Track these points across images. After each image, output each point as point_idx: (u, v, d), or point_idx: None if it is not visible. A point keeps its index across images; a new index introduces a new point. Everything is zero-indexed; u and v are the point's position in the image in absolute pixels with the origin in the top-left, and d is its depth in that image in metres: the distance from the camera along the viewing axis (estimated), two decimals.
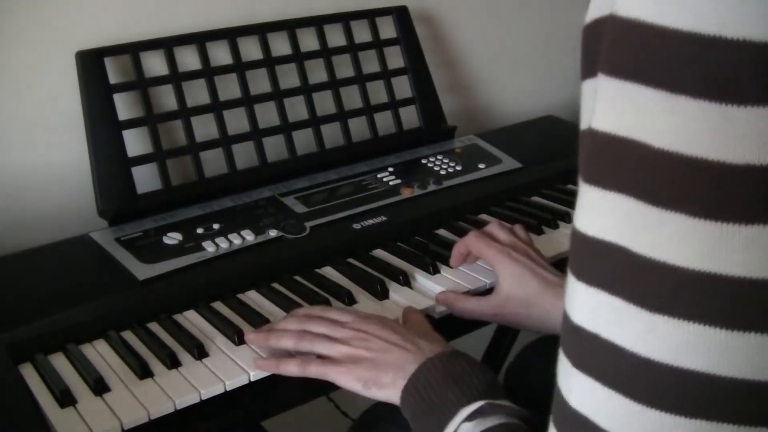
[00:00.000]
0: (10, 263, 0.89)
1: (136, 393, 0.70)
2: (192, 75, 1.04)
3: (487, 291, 0.87)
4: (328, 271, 0.92)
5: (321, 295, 0.85)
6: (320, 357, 0.72)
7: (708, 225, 0.34)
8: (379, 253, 0.96)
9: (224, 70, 1.06)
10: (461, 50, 1.39)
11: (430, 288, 0.88)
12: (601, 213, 0.38)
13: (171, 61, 1.02)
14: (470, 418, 0.59)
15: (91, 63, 0.97)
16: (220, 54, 1.07)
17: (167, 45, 1.02)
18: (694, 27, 0.33)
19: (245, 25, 1.08)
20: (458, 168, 1.14)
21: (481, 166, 1.15)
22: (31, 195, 1.01)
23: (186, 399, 0.70)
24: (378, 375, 0.67)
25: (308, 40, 1.14)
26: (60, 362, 0.75)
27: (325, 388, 0.72)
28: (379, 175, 1.10)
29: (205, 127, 1.04)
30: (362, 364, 0.69)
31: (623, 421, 0.38)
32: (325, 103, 1.14)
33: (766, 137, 0.33)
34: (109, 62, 0.99)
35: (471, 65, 1.41)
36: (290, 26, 1.12)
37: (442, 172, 1.12)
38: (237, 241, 0.92)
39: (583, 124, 0.40)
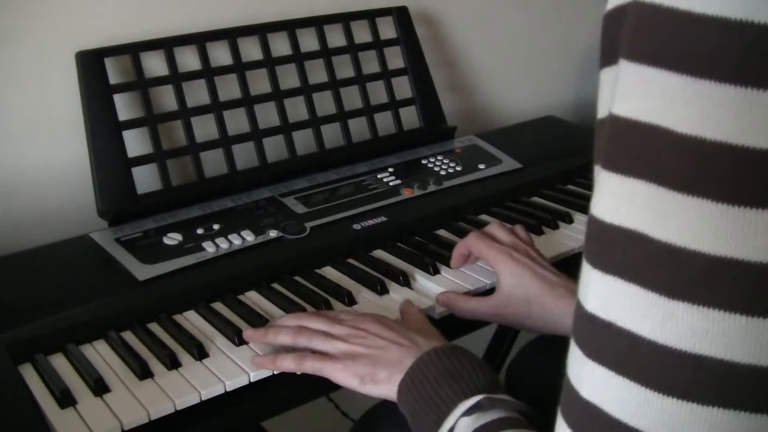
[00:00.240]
0: (10, 263, 0.89)
1: (136, 393, 0.70)
2: (192, 75, 1.04)
3: (488, 291, 0.87)
4: (328, 272, 0.92)
5: (321, 295, 0.85)
6: (317, 353, 0.72)
7: (730, 210, 0.34)
8: (379, 253, 0.96)
9: (224, 70, 1.06)
10: (461, 50, 1.39)
11: (430, 288, 0.88)
12: (619, 199, 0.38)
13: (171, 61, 1.02)
14: (469, 412, 0.59)
15: (91, 63, 0.97)
16: (220, 54, 1.07)
17: (167, 45, 1.02)
18: (720, 12, 0.33)
19: (245, 25, 1.08)
20: (458, 168, 1.14)
21: (481, 166, 1.15)
22: (31, 195, 1.01)
23: (186, 399, 0.70)
24: (374, 371, 0.67)
25: (308, 41, 1.14)
26: (60, 362, 0.75)
27: (325, 388, 0.72)
28: (379, 176, 1.10)
29: (205, 127, 1.04)
30: (359, 360, 0.69)
31: (637, 410, 0.38)
32: (325, 103, 1.14)
33: None
34: (109, 62, 0.99)
35: (471, 65, 1.41)
36: (290, 26, 1.12)
37: (442, 173, 1.12)
38: (237, 241, 0.92)
39: (601, 113, 0.40)
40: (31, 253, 0.90)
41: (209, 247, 0.91)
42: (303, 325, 0.74)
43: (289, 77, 1.11)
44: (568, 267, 0.84)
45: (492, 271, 0.87)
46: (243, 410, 0.73)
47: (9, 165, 0.99)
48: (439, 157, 1.16)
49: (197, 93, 1.05)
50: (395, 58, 1.21)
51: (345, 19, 1.16)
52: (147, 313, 0.82)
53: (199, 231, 0.94)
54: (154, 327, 0.81)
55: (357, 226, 0.98)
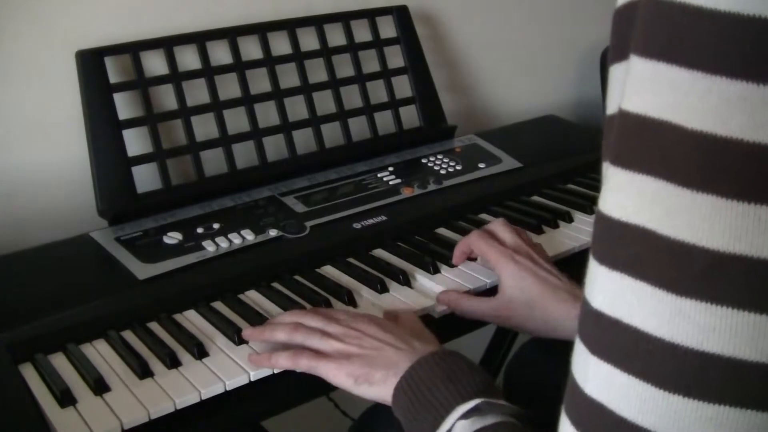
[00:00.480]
0: (10, 263, 0.89)
1: (136, 393, 0.70)
2: (192, 75, 1.04)
3: (488, 290, 0.87)
4: (329, 271, 0.92)
5: (321, 294, 0.85)
6: (313, 352, 0.72)
7: (740, 206, 0.34)
8: (379, 252, 0.96)
9: (224, 69, 1.06)
10: (461, 50, 1.39)
11: (430, 288, 0.88)
12: (628, 196, 0.37)
13: (171, 60, 1.02)
14: (466, 416, 0.59)
15: (91, 63, 0.97)
16: (220, 54, 1.07)
17: (167, 45, 1.02)
18: (732, 7, 0.33)
19: (245, 24, 1.08)
20: (458, 168, 1.14)
21: (481, 165, 1.15)
22: (31, 195, 1.01)
23: (186, 399, 0.70)
24: (369, 372, 0.67)
25: (308, 40, 1.14)
26: (60, 362, 0.75)
27: (325, 387, 0.72)
28: (379, 175, 1.10)
29: (205, 127, 1.04)
30: (354, 360, 0.68)
31: (642, 408, 0.37)
32: (325, 102, 1.14)
33: None
34: (109, 62, 0.99)
35: (471, 65, 1.41)
36: (290, 26, 1.12)
37: (442, 172, 1.12)
38: (237, 240, 0.92)
39: (611, 108, 0.40)
40: (31, 253, 0.90)
41: (209, 247, 0.91)
42: (299, 323, 0.74)
43: (289, 76, 1.11)
44: (568, 267, 0.84)
45: (491, 271, 0.87)
46: (243, 410, 0.73)
47: (9, 165, 0.99)
48: (439, 157, 1.16)
49: (197, 92, 1.05)
50: (395, 58, 1.21)
51: (345, 18, 1.16)
52: (147, 312, 0.82)
53: (199, 230, 0.94)
54: (154, 326, 0.81)
55: (357, 225, 0.98)
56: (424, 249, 0.95)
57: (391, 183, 1.08)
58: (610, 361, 0.39)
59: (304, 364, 0.70)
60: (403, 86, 1.21)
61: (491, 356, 1.40)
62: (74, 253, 0.91)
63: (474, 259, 0.92)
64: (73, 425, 0.66)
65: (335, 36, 1.16)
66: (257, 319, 0.80)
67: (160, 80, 1.02)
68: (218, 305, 0.84)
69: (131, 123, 0.99)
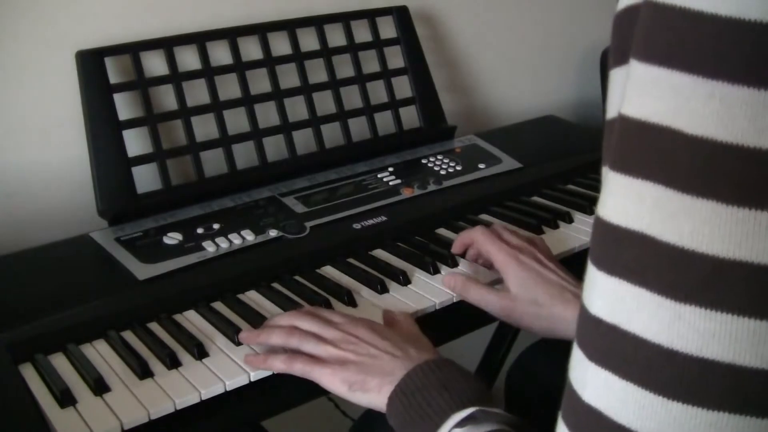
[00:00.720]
0: (10, 263, 0.89)
1: (136, 393, 0.70)
2: (192, 75, 1.04)
3: None
4: (328, 271, 0.92)
5: (321, 295, 0.85)
6: (309, 355, 0.72)
7: (741, 212, 0.34)
8: (379, 253, 0.96)
9: (224, 70, 1.06)
10: (461, 50, 1.39)
11: (430, 288, 0.88)
12: (627, 201, 0.37)
13: (171, 61, 1.02)
14: (461, 424, 0.58)
15: (91, 63, 0.97)
16: (220, 54, 1.07)
17: (167, 45, 1.02)
18: (733, 12, 0.33)
19: (245, 25, 1.08)
20: (458, 168, 1.14)
21: (481, 166, 1.15)
22: (31, 195, 1.01)
23: (186, 399, 0.70)
24: (364, 379, 0.67)
25: (308, 40, 1.14)
26: (60, 362, 0.75)
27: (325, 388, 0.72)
28: (379, 175, 1.10)
29: (205, 127, 1.04)
30: (348, 366, 0.68)
31: (641, 415, 0.37)
32: (325, 103, 1.14)
33: None
34: (109, 62, 0.99)
35: (471, 65, 1.41)
36: (290, 26, 1.12)
37: (442, 172, 1.12)
38: (237, 241, 0.92)
39: (611, 113, 0.40)
40: (31, 253, 0.90)
41: (209, 247, 0.91)
42: (296, 326, 0.74)
43: (289, 77, 1.11)
44: (568, 266, 0.84)
45: (491, 270, 0.87)
46: (243, 410, 0.73)
47: (9, 165, 0.99)
48: (439, 157, 1.16)
49: (197, 92, 1.05)
50: (395, 58, 1.21)
51: (345, 18, 1.16)
52: (147, 312, 0.82)
53: (199, 230, 0.94)
54: (154, 326, 0.81)
55: (357, 226, 0.98)
56: (424, 249, 0.95)
57: (391, 183, 1.08)
58: (608, 368, 0.38)
59: (298, 369, 0.70)
60: (403, 87, 1.21)
61: (491, 357, 1.40)
62: (74, 253, 0.91)
63: (455, 266, 0.91)
64: (73, 425, 0.66)
65: (335, 36, 1.16)
66: (257, 319, 0.80)
67: (160, 80, 1.02)
68: (218, 305, 0.84)
69: (131, 123, 0.99)
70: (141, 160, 0.99)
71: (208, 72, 1.05)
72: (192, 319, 0.82)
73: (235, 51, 1.07)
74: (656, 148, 0.36)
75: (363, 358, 0.68)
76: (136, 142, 1.01)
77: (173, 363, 0.74)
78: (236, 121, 1.06)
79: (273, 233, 0.94)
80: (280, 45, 1.11)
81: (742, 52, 0.33)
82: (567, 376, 0.42)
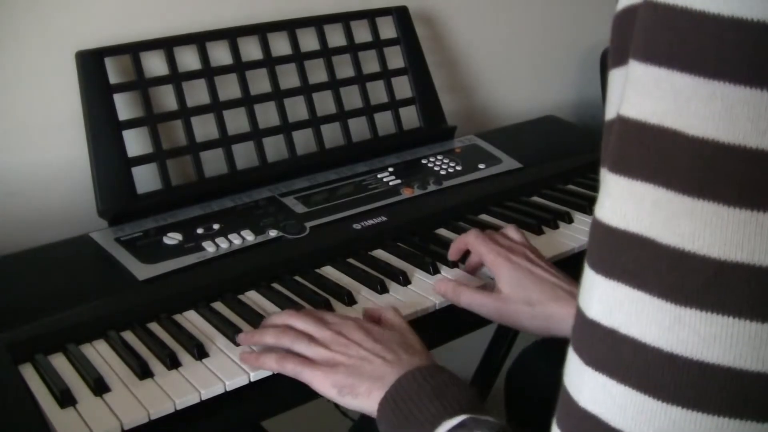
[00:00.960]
0: (10, 263, 0.89)
1: (136, 393, 0.70)
2: (192, 75, 1.04)
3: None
4: (328, 271, 0.92)
5: (321, 295, 0.85)
6: (301, 356, 0.71)
7: (743, 214, 0.33)
8: (379, 253, 0.96)
9: (224, 70, 1.06)
10: (461, 50, 1.39)
11: (430, 288, 0.88)
12: (626, 203, 0.37)
13: (171, 61, 1.02)
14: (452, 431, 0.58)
15: (91, 63, 0.97)
16: (220, 54, 1.07)
17: (167, 45, 1.02)
18: (735, 11, 0.33)
19: (245, 25, 1.08)
20: (458, 168, 1.14)
21: (481, 166, 1.15)
22: (31, 195, 1.01)
23: (186, 399, 0.70)
24: (354, 383, 0.66)
25: (308, 40, 1.14)
26: (60, 362, 0.75)
27: None
28: (379, 175, 1.10)
29: (205, 127, 1.04)
30: (339, 370, 0.68)
31: (639, 420, 0.37)
32: (325, 103, 1.14)
33: None
34: (109, 62, 0.99)
35: (471, 65, 1.41)
36: (290, 26, 1.12)
37: (442, 172, 1.12)
38: (237, 241, 0.92)
39: (610, 114, 0.39)
40: (31, 253, 0.90)
41: (209, 247, 0.91)
42: (289, 325, 0.74)
43: (289, 77, 1.11)
44: (567, 267, 0.84)
45: (482, 275, 0.88)
46: (243, 410, 0.73)
47: (9, 165, 0.99)
48: (439, 157, 1.16)
49: (197, 93, 1.05)
50: (395, 58, 1.21)
51: (345, 18, 1.16)
52: (147, 312, 0.82)
53: (199, 231, 0.94)
54: (154, 327, 0.81)
55: (357, 226, 0.98)
56: (424, 249, 0.95)
57: (391, 183, 1.08)
58: (605, 372, 0.38)
59: (289, 369, 0.70)
60: (403, 87, 1.21)
61: (491, 356, 1.40)
62: (74, 253, 0.91)
63: (455, 266, 0.91)
64: (73, 425, 0.66)
65: (335, 36, 1.16)
66: (257, 319, 0.80)
67: (160, 81, 1.02)
68: (218, 306, 0.84)
69: (131, 123, 0.99)
70: (141, 160, 0.99)
71: (208, 72, 1.05)
72: (192, 319, 0.82)
73: (235, 51, 1.07)
74: (656, 149, 0.35)
75: (354, 361, 0.68)
76: (136, 142, 1.01)
77: (173, 363, 0.74)
78: (236, 121, 1.06)
79: (273, 233, 0.94)
80: (280, 45, 1.11)
81: (744, 52, 0.33)
82: (562, 380, 0.42)
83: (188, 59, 1.06)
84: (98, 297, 0.83)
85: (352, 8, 1.18)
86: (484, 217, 1.05)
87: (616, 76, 0.39)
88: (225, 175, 1.04)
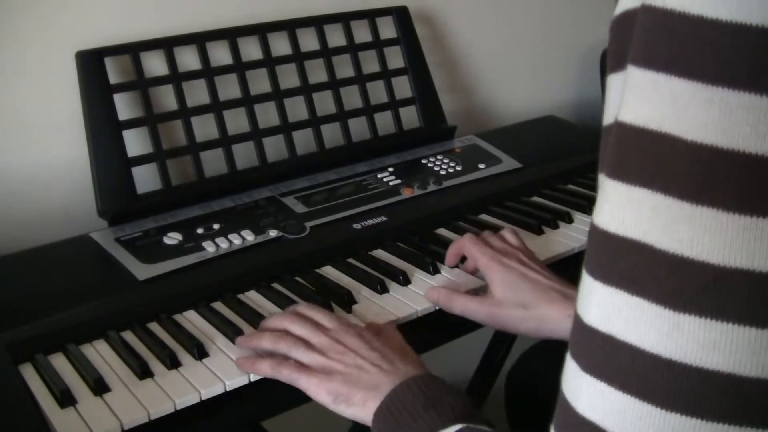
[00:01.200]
0: (10, 263, 0.89)
1: (136, 393, 0.70)
2: (192, 75, 1.04)
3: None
4: (328, 271, 0.92)
5: (321, 295, 0.85)
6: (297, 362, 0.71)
7: (742, 220, 0.33)
8: (379, 253, 0.96)
9: (224, 70, 1.06)
10: (461, 50, 1.39)
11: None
12: (625, 209, 0.37)
13: (171, 61, 1.02)
14: None
15: (91, 63, 0.97)
16: (220, 54, 1.07)
17: (167, 45, 1.02)
18: (735, 16, 0.32)
19: (245, 25, 1.08)
20: (458, 168, 1.14)
21: (481, 166, 1.15)
22: (31, 195, 1.01)
23: (186, 399, 0.70)
24: (349, 392, 0.66)
25: (308, 40, 1.14)
26: (60, 362, 0.75)
27: None
28: (379, 175, 1.10)
29: (205, 127, 1.04)
30: (335, 377, 0.67)
31: (638, 426, 0.36)
32: (325, 103, 1.14)
33: None
34: (109, 62, 0.99)
35: (471, 65, 1.41)
36: (290, 26, 1.12)
37: (442, 172, 1.12)
38: (237, 241, 0.92)
39: (608, 119, 0.39)
40: (31, 253, 0.90)
41: (209, 247, 0.91)
42: (286, 330, 0.74)
43: (289, 77, 1.11)
44: (567, 267, 0.84)
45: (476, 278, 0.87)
46: (243, 410, 0.73)
47: (9, 165, 0.99)
48: (439, 157, 1.16)
49: (197, 93, 1.05)
50: (395, 58, 1.21)
51: (345, 18, 1.16)
52: (147, 312, 0.82)
53: (199, 231, 0.94)
54: (154, 327, 0.81)
55: (357, 226, 0.98)
56: (424, 249, 0.95)
57: (391, 183, 1.08)
58: (603, 379, 0.38)
59: (285, 375, 0.70)
60: (403, 87, 1.21)
61: (491, 357, 1.40)
62: (74, 253, 0.91)
63: (455, 266, 0.91)
64: (73, 425, 0.66)
65: (335, 36, 1.16)
66: (257, 319, 0.80)
67: (160, 81, 1.02)
68: (218, 306, 0.84)
69: (131, 123, 0.99)
70: (141, 160, 0.99)
71: (208, 72, 1.05)
72: (192, 319, 0.82)
73: (235, 51, 1.07)
74: (655, 155, 0.35)
75: (350, 369, 0.68)
76: (136, 142, 1.01)
77: (173, 363, 0.74)
78: (236, 121, 1.06)
79: (273, 233, 0.94)
80: (280, 45, 1.11)
81: (743, 57, 0.32)
82: (560, 387, 0.41)
83: (188, 59, 1.06)
84: (98, 297, 0.83)
85: (352, 8, 1.18)
86: (484, 217, 1.05)
87: (614, 81, 0.39)
88: (225, 175, 1.04)
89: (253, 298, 0.86)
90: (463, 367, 1.49)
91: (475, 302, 0.80)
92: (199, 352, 0.75)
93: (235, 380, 0.72)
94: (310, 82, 1.12)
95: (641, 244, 0.36)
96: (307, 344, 0.71)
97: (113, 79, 0.99)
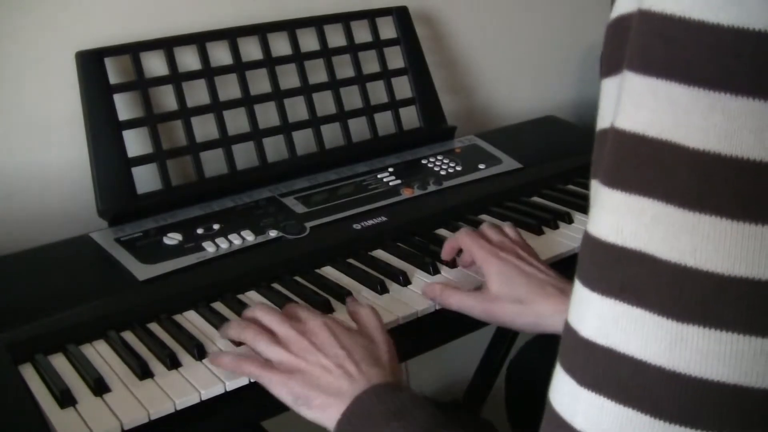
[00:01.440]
0: (10, 263, 0.89)
1: (136, 393, 0.70)
2: (192, 75, 1.04)
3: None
4: (328, 272, 0.92)
5: (321, 295, 0.85)
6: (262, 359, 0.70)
7: (746, 228, 0.33)
8: (379, 253, 0.96)
9: (224, 70, 1.06)
10: (461, 50, 1.39)
11: None
12: (623, 218, 0.36)
13: (171, 61, 1.02)
14: None
15: (91, 63, 0.97)
16: (220, 54, 1.07)
17: (167, 45, 1.02)
18: (736, 21, 0.32)
19: (245, 25, 1.08)
20: (458, 168, 1.14)
21: (481, 166, 1.15)
22: (31, 195, 1.01)
23: (186, 399, 0.70)
24: (309, 394, 0.64)
25: (308, 40, 1.14)
26: (60, 362, 0.75)
27: None
28: (379, 176, 1.10)
29: (205, 127, 1.04)
30: (296, 377, 0.65)
31: None
32: (325, 103, 1.14)
33: None
34: (109, 62, 0.99)
35: (471, 65, 1.41)
36: (290, 26, 1.12)
37: (442, 173, 1.12)
38: (237, 241, 0.92)
39: (601, 124, 0.39)
40: (31, 253, 0.90)
41: (209, 247, 0.91)
42: (255, 318, 0.72)
43: (289, 77, 1.11)
44: (567, 268, 0.84)
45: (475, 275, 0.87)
46: (243, 410, 0.73)
47: (9, 165, 0.99)
48: (439, 157, 1.16)
49: (197, 93, 1.05)
50: (395, 58, 1.21)
51: (345, 18, 1.16)
52: (147, 313, 0.82)
53: (199, 231, 0.94)
54: (154, 327, 0.81)
55: (357, 226, 0.98)
56: (424, 250, 0.95)
57: (391, 184, 1.08)
58: (602, 393, 0.37)
59: (247, 372, 0.69)
60: (403, 87, 1.21)
61: (491, 356, 1.40)
62: (74, 253, 0.91)
63: (455, 266, 0.91)
64: (73, 426, 0.66)
65: (335, 37, 1.16)
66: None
67: (160, 81, 1.02)
68: (218, 306, 0.84)
69: (131, 124, 0.99)
70: (141, 160, 0.99)
71: (208, 72, 1.05)
72: (192, 319, 0.82)
73: (235, 51, 1.07)
74: (654, 162, 0.35)
75: (312, 369, 0.65)
76: (136, 143, 1.01)
77: (173, 363, 0.74)
78: (236, 121, 1.06)
79: (273, 233, 0.94)
80: (280, 45, 1.11)
81: (745, 62, 0.32)
82: (547, 403, 0.40)
83: (188, 59, 1.06)
84: (98, 297, 0.83)
85: (352, 8, 1.18)
86: (484, 217, 1.05)
87: (608, 85, 0.38)
88: (225, 175, 1.05)
89: (253, 298, 0.86)
90: (463, 367, 1.49)
91: (471, 298, 0.80)
92: (199, 352, 0.75)
93: (235, 380, 0.72)
94: (310, 83, 1.12)
95: (641, 254, 0.35)
96: (272, 337, 0.69)
97: (113, 79, 0.99)
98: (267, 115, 1.09)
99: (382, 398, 0.62)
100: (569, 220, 1.03)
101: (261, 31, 1.09)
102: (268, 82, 1.09)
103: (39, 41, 0.99)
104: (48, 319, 0.78)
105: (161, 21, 1.06)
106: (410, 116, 1.22)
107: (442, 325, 0.84)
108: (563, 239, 0.99)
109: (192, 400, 0.70)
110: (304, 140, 1.12)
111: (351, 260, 0.93)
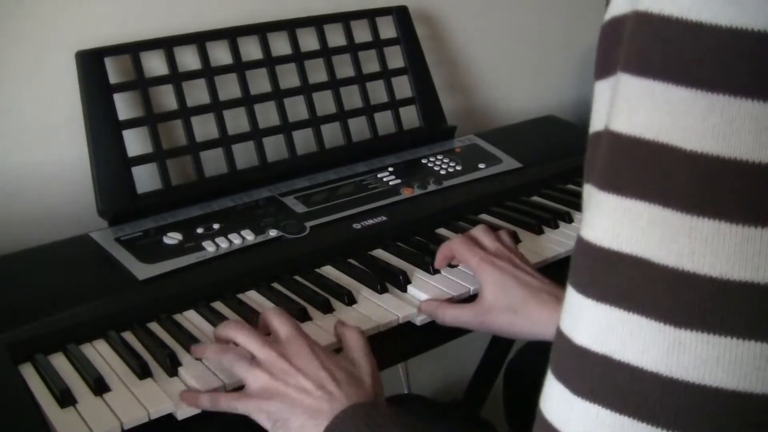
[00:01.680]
0: (10, 263, 0.89)
1: (136, 393, 0.70)
2: (192, 75, 1.04)
3: None
4: (328, 271, 0.92)
5: (321, 295, 0.85)
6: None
7: (745, 231, 0.32)
8: (379, 253, 0.96)
9: (224, 70, 1.06)
10: (461, 50, 1.39)
11: (430, 288, 0.88)
12: (619, 223, 0.35)
13: (171, 61, 1.02)
14: None
15: (91, 63, 0.97)
16: (220, 54, 1.07)
17: (167, 45, 1.02)
18: (734, 22, 0.31)
19: (245, 25, 1.08)
20: (458, 168, 1.14)
21: (481, 166, 1.15)
22: (31, 195, 1.01)
23: None
24: (288, 417, 0.63)
25: (308, 40, 1.14)
26: (60, 362, 0.75)
27: None
28: (379, 175, 1.10)
29: (205, 127, 1.04)
30: (274, 401, 0.64)
31: None
32: (325, 103, 1.14)
33: None
34: (109, 62, 0.99)
35: (471, 65, 1.41)
36: (290, 26, 1.12)
37: (442, 172, 1.12)
38: (237, 241, 0.92)
39: (595, 126, 0.38)
40: (31, 253, 0.90)
41: (209, 247, 0.91)
42: (233, 340, 0.71)
43: (289, 77, 1.11)
44: (567, 267, 0.84)
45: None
46: None
47: (9, 165, 0.99)
48: (439, 157, 1.16)
49: (197, 93, 1.05)
50: (395, 58, 1.21)
51: (345, 18, 1.16)
52: (147, 312, 0.82)
53: (199, 230, 0.94)
54: (154, 326, 0.81)
55: (357, 226, 0.98)
56: (424, 249, 0.95)
57: (391, 183, 1.08)
58: (598, 402, 0.36)
59: (224, 406, 0.67)
60: (402, 86, 1.21)
61: (491, 356, 1.40)
62: (74, 253, 0.91)
63: (455, 266, 0.91)
64: (73, 425, 0.66)
65: (335, 36, 1.16)
66: (257, 319, 0.79)
67: (160, 80, 1.02)
68: (218, 305, 0.84)
69: (131, 123, 0.99)
70: (141, 160, 0.99)
71: (208, 72, 1.05)
72: (192, 319, 0.82)
73: (235, 51, 1.07)
74: (651, 165, 0.34)
75: (290, 391, 0.64)
76: (136, 142, 1.01)
77: (173, 363, 0.74)
78: (236, 121, 1.06)
79: (273, 233, 0.94)
80: (280, 45, 1.11)
81: (744, 63, 0.32)
82: (538, 413, 0.40)
83: (188, 59, 1.06)
84: (98, 297, 0.83)
85: (352, 8, 1.18)
86: (484, 217, 1.05)
87: (601, 88, 0.38)
88: (225, 175, 1.05)
89: (253, 297, 0.86)
90: (462, 367, 1.49)
91: (465, 311, 0.80)
92: None
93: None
94: (310, 82, 1.12)
95: (638, 259, 0.35)
96: (251, 360, 0.68)
97: (113, 78, 0.99)
98: (267, 114, 1.09)
99: (361, 416, 0.61)
100: (569, 220, 1.03)
101: (261, 30, 1.09)
102: (268, 81, 1.09)
103: (39, 41, 0.99)
104: (48, 318, 0.78)
105: (161, 21, 1.06)
106: (410, 116, 1.22)
107: (442, 326, 0.84)
108: (563, 239, 0.99)
109: None
110: (304, 140, 1.12)
111: (351, 260, 0.94)
